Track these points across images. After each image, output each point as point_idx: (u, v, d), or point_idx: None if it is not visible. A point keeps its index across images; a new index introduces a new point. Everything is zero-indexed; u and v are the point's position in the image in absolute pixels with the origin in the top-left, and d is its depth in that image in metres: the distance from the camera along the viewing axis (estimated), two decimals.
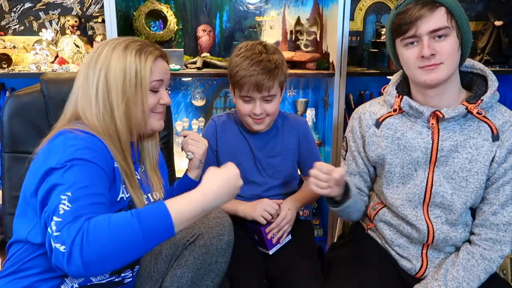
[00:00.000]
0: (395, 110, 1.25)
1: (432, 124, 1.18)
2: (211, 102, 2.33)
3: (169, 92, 2.25)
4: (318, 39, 2.15)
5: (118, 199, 1.03)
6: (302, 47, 2.15)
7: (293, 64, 2.10)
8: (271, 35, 2.26)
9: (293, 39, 2.23)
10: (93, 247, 0.80)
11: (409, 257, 1.27)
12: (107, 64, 1.05)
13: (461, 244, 1.23)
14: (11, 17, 2.13)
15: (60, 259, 0.81)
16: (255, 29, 2.23)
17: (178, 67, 1.95)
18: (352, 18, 2.25)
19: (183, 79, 2.24)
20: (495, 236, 1.17)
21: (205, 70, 2.00)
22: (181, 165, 1.97)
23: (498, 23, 2.17)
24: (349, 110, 2.14)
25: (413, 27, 1.11)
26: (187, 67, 2.02)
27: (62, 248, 0.80)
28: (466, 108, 1.14)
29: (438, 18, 1.10)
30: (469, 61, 1.24)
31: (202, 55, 2.14)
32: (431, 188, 1.21)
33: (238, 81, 1.38)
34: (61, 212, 0.84)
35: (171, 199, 0.91)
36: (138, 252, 0.86)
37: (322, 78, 2.17)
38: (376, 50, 2.15)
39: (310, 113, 2.25)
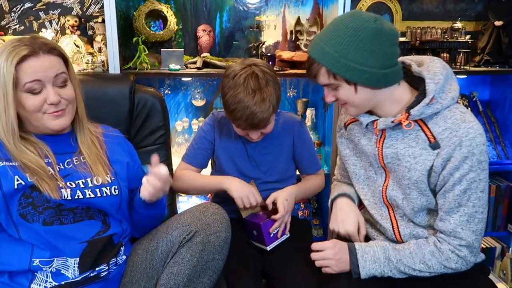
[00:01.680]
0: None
1: (377, 133, 1.20)
2: (211, 102, 2.33)
3: (169, 92, 2.27)
4: None
5: (16, 186, 1.08)
6: (302, 47, 2.15)
7: (293, 64, 2.10)
8: (271, 35, 2.27)
9: (293, 39, 2.23)
10: None
11: None
12: None
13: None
14: (11, 17, 2.13)
15: None
16: (255, 29, 2.23)
17: (178, 67, 1.95)
18: None
19: (183, 79, 2.24)
20: (445, 239, 1.17)
21: (205, 70, 2.00)
22: None
23: (498, 23, 2.17)
24: None
25: (313, 80, 1.17)
26: (187, 67, 2.02)
27: None
28: (393, 122, 1.14)
29: (322, 77, 1.14)
30: (415, 68, 1.17)
31: (202, 55, 2.14)
32: (386, 191, 1.24)
33: (234, 118, 1.38)
34: None
35: None
36: None
37: None
38: None
39: (310, 113, 2.25)
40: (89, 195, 1.16)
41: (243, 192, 1.42)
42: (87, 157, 1.22)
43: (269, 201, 1.46)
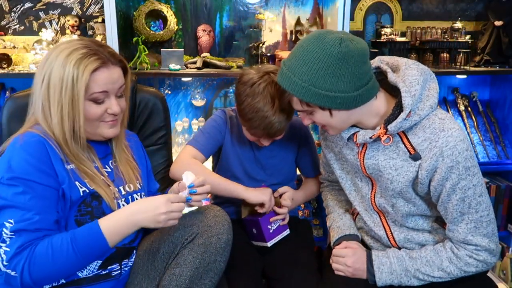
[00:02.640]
0: None
1: (358, 145, 1.19)
2: (211, 102, 2.33)
3: (169, 92, 2.27)
4: None
5: (81, 193, 1.08)
6: None
7: None
8: (271, 35, 2.26)
9: (293, 39, 2.23)
10: (40, 272, 0.98)
11: None
12: (49, 72, 1.06)
13: (426, 242, 1.24)
14: (11, 17, 2.13)
15: (14, 281, 0.98)
16: (255, 29, 2.23)
17: (178, 67, 1.95)
18: (352, 18, 2.25)
19: (183, 79, 2.24)
20: (461, 245, 1.16)
21: (205, 70, 2.00)
22: None
23: (498, 23, 2.17)
24: None
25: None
26: (187, 67, 2.02)
27: (13, 273, 0.97)
28: (371, 137, 1.12)
29: (295, 104, 1.14)
30: (391, 77, 1.13)
31: (202, 55, 2.14)
32: (374, 199, 1.24)
33: (250, 127, 1.36)
34: (7, 241, 0.97)
35: (105, 218, 1.05)
36: (79, 267, 1.05)
37: None
38: (376, 50, 2.15)
39: None
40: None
41: (264, 195, 1.39)
42: (119, 163, 1.22)
43: (276, 194, 1.46)
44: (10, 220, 0.97)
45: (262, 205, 1.41)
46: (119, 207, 1.13)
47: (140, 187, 1.24)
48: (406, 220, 1.22)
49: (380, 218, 1.27)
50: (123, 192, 1.19)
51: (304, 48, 1.05)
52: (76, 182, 1.07)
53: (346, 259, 1.24)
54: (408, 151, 1.11)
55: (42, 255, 0.97)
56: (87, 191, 1.09)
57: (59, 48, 1.08)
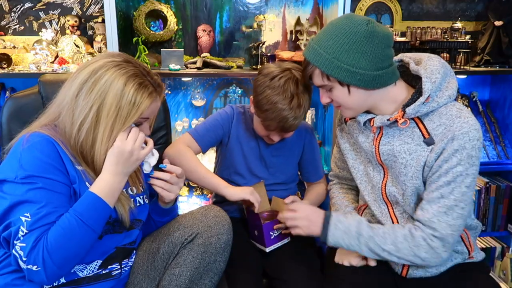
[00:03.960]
0: None
1: (374, 130, 1.20)
2: (211, 102, 2.33)
3: (169, 92, 2.27)
4: None
5: None
6: (302, 47, 2.15)
7: None
8: (271, 35, 2.26)
9: (293, 39, 2.23)
10: (61, 255, 0.96)
11: None
12: (103, 97, 1.03)
13: None
14: (11, 17, 2.13)
15: (37, 276, 0.96)
16: (255, 29, 2.23)
17: (178, 67, 1.95)
18: None
19: (183, 79, 2.24)
20: (420, 226, 1.15)
21: (205, 70, 2.00)
22: None
23: (498, 23, 2.17)
24: None
25: (310, 80, 1.21)
26: (187, 67, 2.02)
27: (35, 268, 0.95)
28: (389, 120, 1.15)
29: (316, 78, 1.17)
30: (413, 67, 1.18)
31: (202, 55, 2.14)
32: (385, 188, 1.24)
33: (265, 118, 1.36)
34: (22, 238, 0.95)
35: (93, 185, 1.04)
36: (94, 238, 1.02)
37: None
38: None
39: (310, 113, 2.26)
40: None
41: (243, 194, 1.37)
42: None
43: (288, 200, 1.46)
44: (26, 214, 0.95)
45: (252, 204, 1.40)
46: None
47: (142, 190, 1.23)
48: (415, 211, 1.21)
49: (388, 209, 1.26)
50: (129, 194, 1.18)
51: (333, 25, 1.12)
52: (87, 183, 1.07)
53: (301, 213, 1.24)
54: (423, 135, 1.14)
55: (57, 239, 0.96)
56: None
57: (111, 71, 1.05)
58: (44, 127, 1.08)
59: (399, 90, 1.18)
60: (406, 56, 1.23)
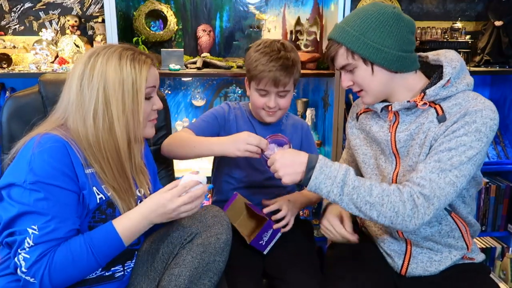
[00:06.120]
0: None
1: (391, 118, 1.22)
2: (211, 102, 2.33)
3: (169, 92, 2.27)
4: (318, 39, 2.15)
5: (98, 200, 1.07)
6: (302, 47, 2.15)
7: None
8: (271, 35, 2.27)
9: (293, 39, 2.23)
10: (60, 278, 0.98)
11: (391, 254, 1.30)
12: (105, 77, 1.06)
13: (438, 238, 1.23)
14: (11, 17, 2.13)
15: (31, 287, 0.97)
16: (255, 29, 2.23)
17: (178, 67, 1.95)
18: None
19: (183, 79, 2.24)
20: (408, 184, 1.11)
21: (205, 70, 2.00)
22: (180, 165, 1.98)
23: (498, 23, 2.17)
24: (348, 110, 2.13)
25: (332, 65, 1.25)
26: (187, 67, 2.02)
27: (32, 280, 0.96)
28: (409, 101, 1.17)
29: (340, 57, 1.19)
30: (432, 56, 1.24)
31: (202, 55, 2.14)
32: (396, 179, 1.23)
33: (256, 75, 1.41)
34: (28, 249, 0.95)
35: (118, 219, 1.06)
36: (96, 269, 1.04)
37: (322, 78, 2.17)
38: None
39: (310, 113, 2.26)
40: None
41: (240, 143, 1.30)
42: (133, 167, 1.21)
43: (274, 207, 1.44)
44: (33, 227, 0.96)
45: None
46: None
47: (149, 192, 1.23)
48: None
49: None
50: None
51: (361, 8, 1.18)
52: (94, 188, 1.07)
53: (278, 156, 1.19)
54: (437, 112, 1.15)
55: (63, 261, 0.97)
56: (104, 198, 1.08)
57: (103, 55, 1.08)
58: (55, 128, 1.07)
59: (418, 79, 1.21)
60: (422, 54, 1.27)
